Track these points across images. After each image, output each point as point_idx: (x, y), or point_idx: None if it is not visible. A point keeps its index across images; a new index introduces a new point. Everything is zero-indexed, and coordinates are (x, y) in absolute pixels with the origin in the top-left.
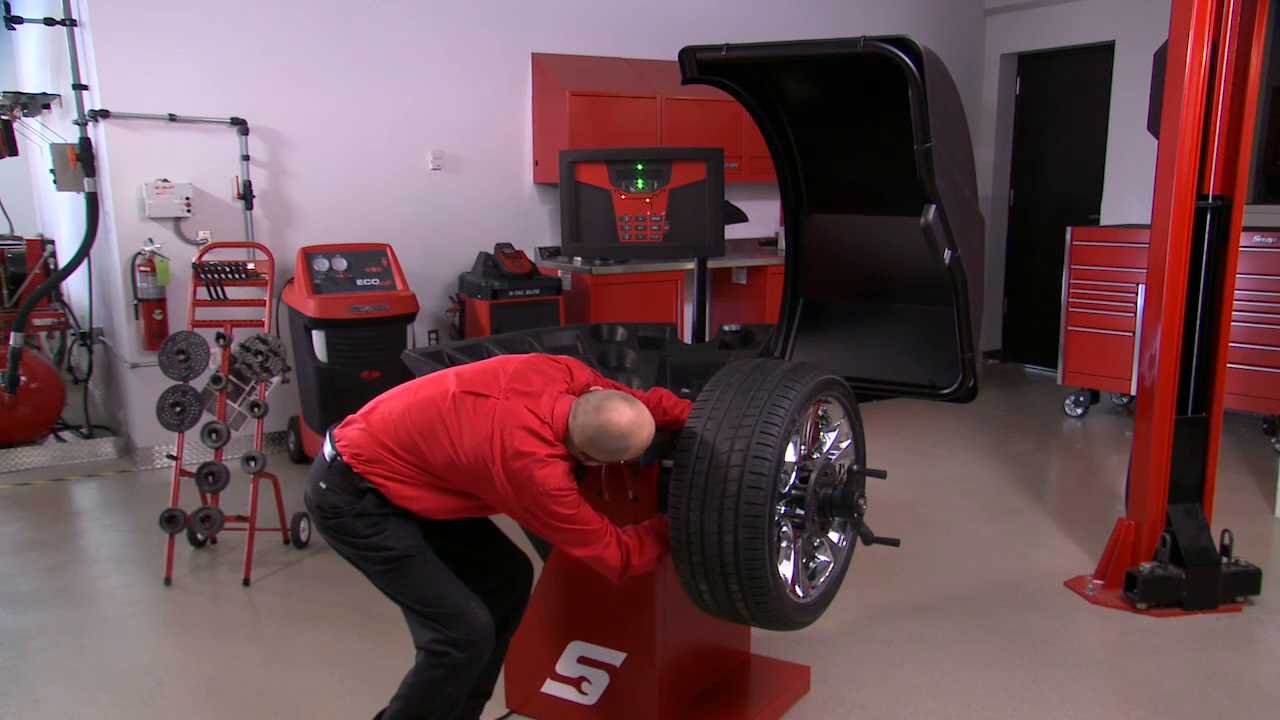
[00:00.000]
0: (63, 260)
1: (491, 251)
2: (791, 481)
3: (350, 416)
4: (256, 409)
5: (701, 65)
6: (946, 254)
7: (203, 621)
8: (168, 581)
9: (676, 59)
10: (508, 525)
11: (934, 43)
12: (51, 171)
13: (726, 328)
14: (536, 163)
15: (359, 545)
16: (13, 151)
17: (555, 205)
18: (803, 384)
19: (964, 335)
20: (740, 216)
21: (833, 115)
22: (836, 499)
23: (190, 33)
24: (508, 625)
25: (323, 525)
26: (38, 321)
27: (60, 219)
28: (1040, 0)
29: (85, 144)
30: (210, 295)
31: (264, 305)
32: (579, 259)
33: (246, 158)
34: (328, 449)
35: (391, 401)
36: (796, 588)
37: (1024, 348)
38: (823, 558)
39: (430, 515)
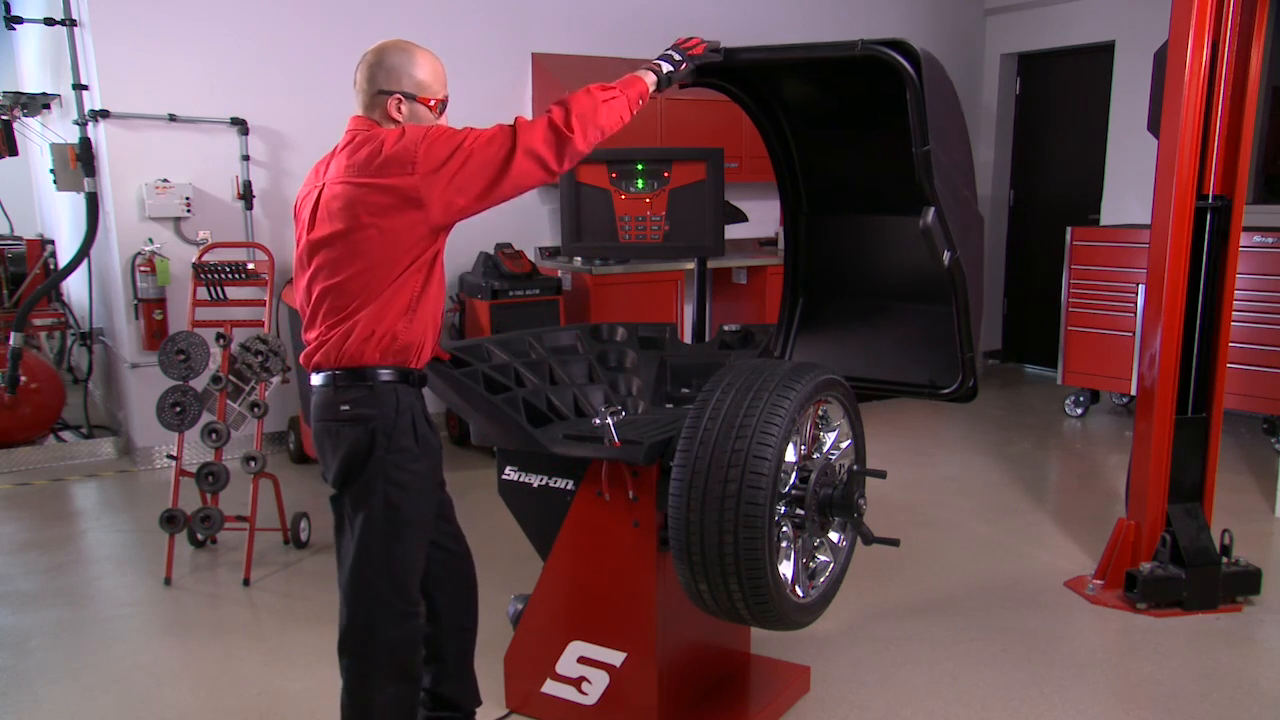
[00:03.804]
0: (63, 260)
1: (491, 251)
2: (791, 481)
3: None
4: (256, 409)
5: (700, 68)
6: (946, 256)
7: (203, 621)
8: (168, 581)
9: None
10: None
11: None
12: (51, 171)
13: (726, 328)
14: None
15: (385, 478)
16: (13, 151)
17: (555, 205)
18: (803, 384)
19: (964, 335)
20: (740, 216)
21: (832, 117)
22: (836, 499)
23: (190, 33)
24: (462, 625)
25: (363, 453)
26: (38, 321)
27: (60, 219)
28: (1040, 0)
29: (85, 144)
30: (210, 295)
31: (264, 305)
32: (579, 259)
33: (246, 158)
34: (314, 380)
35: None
36: (796, 588)
37: (1024, 348)
38: (823, 558)
39: (405, 336)
